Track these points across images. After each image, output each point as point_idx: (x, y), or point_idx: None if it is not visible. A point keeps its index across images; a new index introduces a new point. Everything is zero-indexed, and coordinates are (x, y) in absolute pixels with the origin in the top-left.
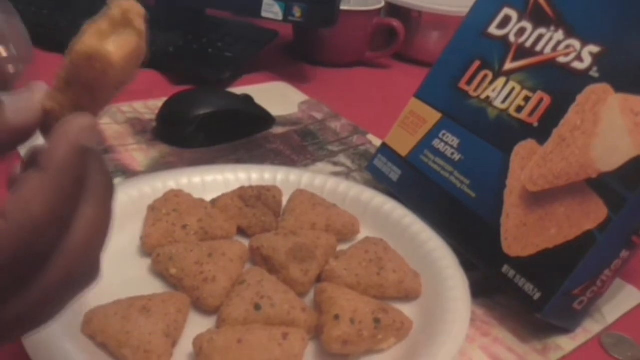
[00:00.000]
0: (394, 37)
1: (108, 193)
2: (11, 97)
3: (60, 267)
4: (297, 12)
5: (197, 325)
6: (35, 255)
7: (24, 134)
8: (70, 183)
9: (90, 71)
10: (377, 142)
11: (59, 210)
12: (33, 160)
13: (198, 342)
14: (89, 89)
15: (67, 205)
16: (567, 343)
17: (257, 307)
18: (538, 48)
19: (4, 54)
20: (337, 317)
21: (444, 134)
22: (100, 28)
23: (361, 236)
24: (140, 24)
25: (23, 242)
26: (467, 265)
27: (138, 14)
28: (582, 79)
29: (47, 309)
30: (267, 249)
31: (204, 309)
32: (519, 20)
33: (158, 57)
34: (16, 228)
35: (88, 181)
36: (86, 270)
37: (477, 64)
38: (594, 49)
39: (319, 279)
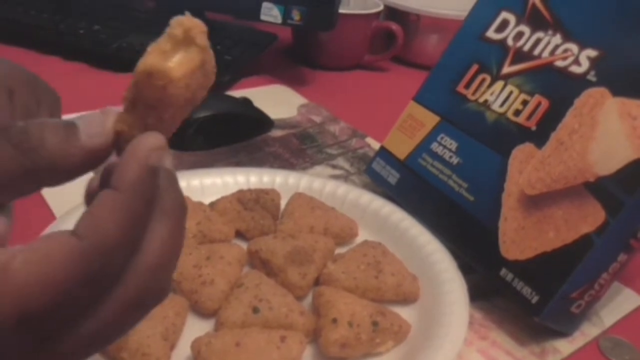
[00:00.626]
0: (392, 41)
1: (180, 212)
2: (84, 119)
3: (131, 288)
4: (296, 15)
5: (196, 328)
6: (107, 275)
7: (98, 157)
8: (142, 203)
9: (152, 89)
10: (376, 145)
11: (132, 230)
12: (107, 179)
13: (196, 345)
14: (153, 108)
15: (140, 225)
16: (565, 346)
17: (255, 310)
18: (536, 52)
19: None
20: (335, 320)
21: (442, 138)
22: (162, 48)
23: (359, 239)
24: (202, 40)
25: (97, 262)
26: (466, 268)
27: (200, 31)
28: (579, 83)
29: (117, 329)
30: (266, 252)
31: (202, 312)
32: (517, 24)
33: None
34: (90, 247)
35: (160, 200)
36: (157, 290)
37: (475, 67)
38: (592, 53)
39: (317, 282)
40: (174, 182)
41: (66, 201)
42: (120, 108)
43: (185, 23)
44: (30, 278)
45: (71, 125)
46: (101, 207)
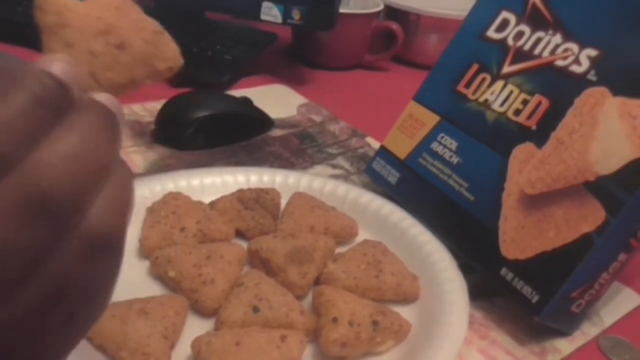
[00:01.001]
0: (392, 40)
1: (95, 136)
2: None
3: (24, 179)
4: (296, 15)
5: (196, 327)
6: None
7: None
8: (30, 106)
9: (48, 17)
10: (376, 144)
11: (15, 123)
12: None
13: (196, 344)
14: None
15: (26, 123)
16: (565, 346)
17: (256, 309)
18: (536, 51)
19: None
20: (335, 319)
21: (442, 137)
22: None
23: (359, 239)
24: None
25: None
26: (466, 268)
27: None
28: (580, 83)
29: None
30: (266, 252)
31: (202, 312)
32: (517, 23)
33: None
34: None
35: (67, 117)
36: (61, 200)
37: (475, 67)
38: (592, 52)
39: (317, 281)
40: (98, 111)
41: None
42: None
43: None
44: None
45: None
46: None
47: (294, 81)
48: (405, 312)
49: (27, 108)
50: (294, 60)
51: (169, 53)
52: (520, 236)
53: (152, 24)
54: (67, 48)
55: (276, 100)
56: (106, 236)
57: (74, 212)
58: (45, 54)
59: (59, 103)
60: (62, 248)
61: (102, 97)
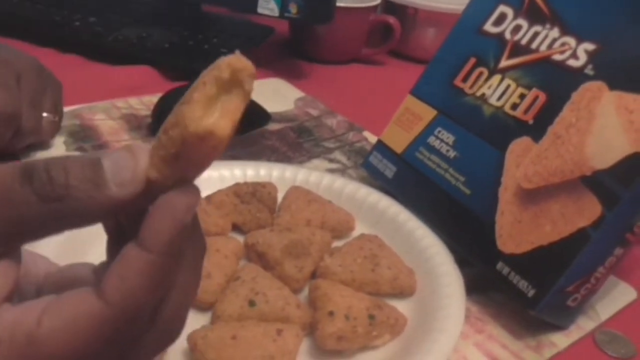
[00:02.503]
0: (389, 34)
1: (201, 257)
2: (113, 160)
3: (153, 336)
4: (293, 8)
5: (192, 321)
6: (134, 336)
7: (126, 207)
8: (173, 263)
9: (203, 149)
10: (373, 139)
11: (161, 291)
12: (134, 226)
13: (192, 338)
14: (199, 164)
15: (167, 288)
16: (561, 340)
17: (252, 303)
18: (533, 46)
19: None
20: (331, 313)
21: (439, 131)
22: (208, 94)
23: (356, 233)
24: (250, 86)
25: (125, 328)
26: (462, 262)
27: (250, 75)
28: (577, 77)
29: None
30: (262, 246)
31: (198, 305)
32: (515, 17)
33: (154, 53)
34: (120, 314)
35: (185, 251)
36: (175, 332)
37: (472, 61)
38: (589, 46)
39: (313, 275)
40: (198, 227)
41: None
42: (148, 145)
43: (235, 64)
44: (58, 350)
45: (99, 170)
46: (131, 270)
47: (291, 75)
48: (401, 306)
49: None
50: (291, 54)
51: None
52: (516, 230)
53: None
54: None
55: (273, 94)
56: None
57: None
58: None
59: (180, 260)
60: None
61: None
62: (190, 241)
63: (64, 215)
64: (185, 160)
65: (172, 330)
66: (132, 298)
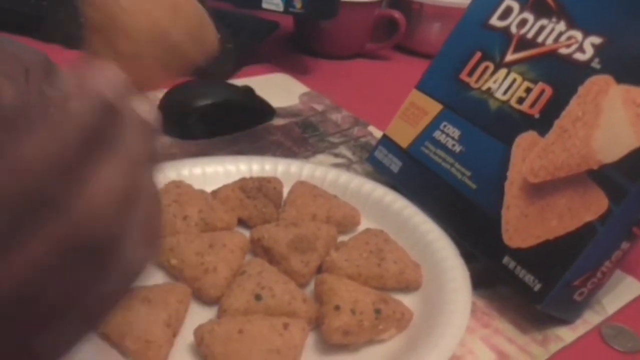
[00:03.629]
0: (394, 29)
1: (136, 159)
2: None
3: (66, 221)
4: (297, 3)
5: (198, 315)
6: (42, 199)
7: None
8: (78, 140)
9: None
10: (378, 133)
11: (61, 161)
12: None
13: (199, 332)
14: (108, 35)
15: (73, 158)
16: (567, 334)
17: (258, 297)
18: (540, 39)
19: None
20: (337, 307)
21: (444, 126)
22: None
23: (362, 227)
24: None
25: (25, 183)
26: (468, 256)
27: None
28: (583, 70)
29: (45, 275)
30: (268, 240)
31: (204, 300)
32: (521, 11)
33: None
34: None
35: (114, 143)
36: (97, 237)
37: (478, 55)
38: (596, 40)
39: (319, 270)
40: (139, 128)
41: None
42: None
43: None
44: None
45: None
46: (46, 127)
47: (296, 70)
48: (407, 300)
49: (76, 142)
50: (296, 49)
51: (209, 46)
52: (522, 225)
53: (202, 18)
54: (113, 51)
55: (278, 89)
56: (138, 270)
57: (114, 251)
58: (89, 55)
59: (105, 132)
60: (99, 285)
61: (144, 109)
62: (123, 136)
63: None
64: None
65: (89, 228)
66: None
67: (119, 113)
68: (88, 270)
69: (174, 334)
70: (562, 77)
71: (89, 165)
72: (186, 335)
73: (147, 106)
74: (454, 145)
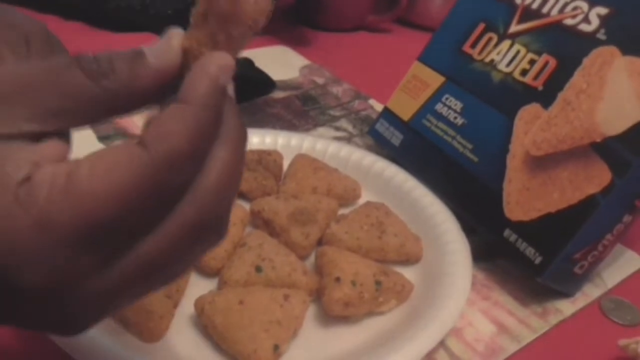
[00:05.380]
0: (396, 1)
1: (242, 138)
2: (150, 45)
3: (192, 209)
4: None
5: (199, 287)
6: (172, 190)
7: (167, 77)
8: (210, 120)
9: (225, 1)
10: (379, 107)
11: (199, 144)
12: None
13: (200, 303)
14: (224, 23)
15: (206, 140)
16: (567, 307)
17: (258, 269)
18: (544, 10)
19: None
20: (338, 279)
21: (447, 98)
22: None
23: (362, 200)
24: None
25: (164, 174)
26: (469, 229)
27: None
28: (589, 42)
29: (173, 258)
30: (268, 213)
31: (205, 272)
32: None
33: (157, 21)
34: (158, 158)
35: (224, 125)
36: (215, 222)
37: (481, 26)
38: (602, 10)
39: (320, 242)
40: (235, 107)
41: None
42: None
43: None
44: (97, 186)
45: (138, 51)
46: (170, 118)
47: (296, 42)
48: (408, 273)
49: (208, 123)
50: (296, 21)
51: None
52: (524, 198)
53: None
54: (224, 34)
55: (278, 61)
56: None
57: (225, 225)
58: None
59: (218, 120)
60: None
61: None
62: (230, 117)
63: (110, 92)
64: (212, 17)
65: (210, 213)
66: (171, 143)
67: (227, 98)
68: (205, 244)
69: (175, 305)
70: (566, 48)
71: (212, 146)
72: (187, 307)
73: (232, 87)
74: (455, 117)
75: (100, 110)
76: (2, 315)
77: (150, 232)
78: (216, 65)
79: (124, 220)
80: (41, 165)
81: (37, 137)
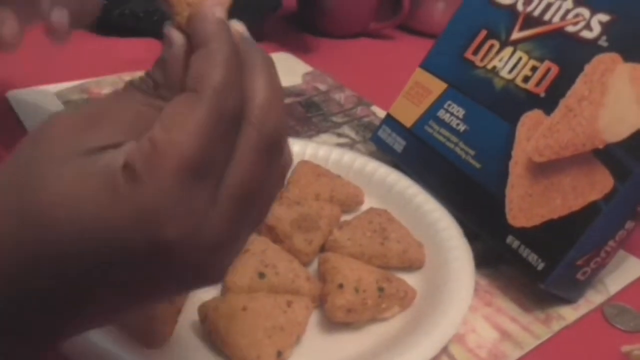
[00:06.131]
0: (398, 8)
1: (267, 62)
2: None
3: (252, 130)
4: None
5: (202, 293)
6: (229, 116)
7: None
8: (228, 48)
9: None
10: (382, 113)
11: (235, 74)
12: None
13: (203, 309)
14: None
15: (234, 70)
16: (569, 313)
17: (262, 275)
18: (546, 17)
19: None
20: (341, 286)
21: (449, 105)
22: None
23: (365, 207)
24: None
25: (216, 104)
26: (471, 235)
27: None
28: (590, 49)
29: (260, 181)
30: (271, 219)
31: None
32: None
33: (158, 25)
34: (207, 96)
35: (247, 55)
36: (274, 134)
37: (483, 33)
38: (604, 17)
39: (322, 249)
40: (251, 39)
41: None
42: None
43: None
44: (178, 137)
45: (163, 56)
46: (202, 62)
47: (299, 49)
48: (410, 279)
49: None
50: (299, 27)
51: None
52: (527, 204)
53: None
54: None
55: (281, 68)
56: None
57: (284, 139)
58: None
59: (236, 50)
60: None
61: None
62: (249, 46)
63: (165, 97)
64: None
65: (268, 127)
66: (212, 80)
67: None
68: (275, 156)
69: (178, 311)
70: (568, 55)
71: (244, 71)
72: (190, 312)
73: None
74: (458, 124)
75: None
76: (154, 284)
77: (231, 159)
78: (209, 5)
79: (208, 151)
80: (129, 148)
81: (119, 145)
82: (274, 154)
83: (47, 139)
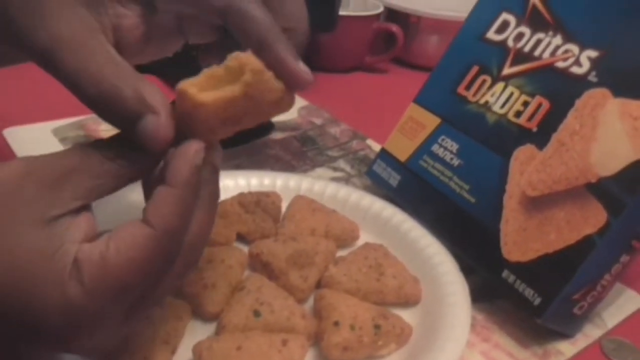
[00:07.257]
0: (392, 42)
1: (214, 200)
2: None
3: (181, 261)
4: None
5: (197, 332)
6: (172, 253)
7: (168, 140)
8: (192, 196)
9: (183, 107)
10: (377, 147)
11: (186, 218)
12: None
13: (198, 349)
14: (192, 120)
15: (190, 213)
16: (567, 348)
17: (257, 313)
18: (536, 53)
19: None
20: (336, 323)
21: (443, 139)
22: (215, 73)
23: (361, 242)
24: (248, 77)
25: (167, 244)
26: (467, 270)
27: (252, 69)
28: (580, 84)
29: (167, 294)
30: (267, 255)
31: (203, 316)
32: (518, 25)
33: (157, 63)
34: (161, 233)
35: (201, 191)
36: (192, 262)
37: (475, 69)
38: (593, 53)
39: (318, 285)
40: (214, 174)
41: None
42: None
43: (241, 58)
44: (125, 262)
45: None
46: (163, 201)
47: None
48: (407, 315)
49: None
50: None
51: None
52: (521, 238)
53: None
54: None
55: None
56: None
57: (197, 260)
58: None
59: (197, 193)
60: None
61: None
62: (205, 186)
63: (125, 167)
64: (182, 116)
65: (192, 258)
66: (167, 222)
67: (204, 170)
68: (184, 276)
69: (173, 351)
70: (559, 90)
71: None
72: (185, 352)
73: (219, 154)
74: (452, 158)
75: (121, 181)
76: None
77: (159, 284)
78: (192, 150)
79: (146, 281)
80: (82, 246)
81: (78, 211)
82: (183, 275)
83: (17, 200)
